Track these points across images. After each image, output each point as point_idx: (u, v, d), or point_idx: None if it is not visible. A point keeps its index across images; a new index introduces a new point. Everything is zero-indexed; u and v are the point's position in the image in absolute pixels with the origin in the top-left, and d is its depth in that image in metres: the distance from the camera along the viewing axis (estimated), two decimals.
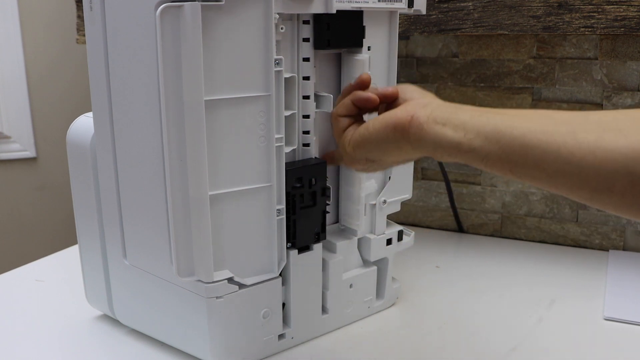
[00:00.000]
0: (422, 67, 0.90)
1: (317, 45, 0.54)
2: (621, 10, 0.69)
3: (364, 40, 0.56)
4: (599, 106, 0.82)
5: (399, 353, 0.59)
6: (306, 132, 0.56)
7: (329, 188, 0.58)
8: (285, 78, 0.52)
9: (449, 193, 0.91)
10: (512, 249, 0.86)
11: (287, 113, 0.53)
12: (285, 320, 0.58)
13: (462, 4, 0.76)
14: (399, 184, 0.63)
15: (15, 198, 1.30)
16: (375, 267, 0.64)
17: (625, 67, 0.79)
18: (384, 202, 0.62)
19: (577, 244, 0.87)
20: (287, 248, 0.55)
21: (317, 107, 0.57)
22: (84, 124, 0.59)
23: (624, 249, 0.85)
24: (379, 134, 0.46)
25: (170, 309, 0.55)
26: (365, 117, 0.52)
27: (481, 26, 0.75)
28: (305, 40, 0.54)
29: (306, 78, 0.55)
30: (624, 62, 0.79)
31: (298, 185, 0.55)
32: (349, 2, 0.53)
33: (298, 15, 0.53)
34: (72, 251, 0.83)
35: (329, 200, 0.58)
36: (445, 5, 0.77)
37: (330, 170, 0.60)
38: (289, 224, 0.55)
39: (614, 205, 0.37)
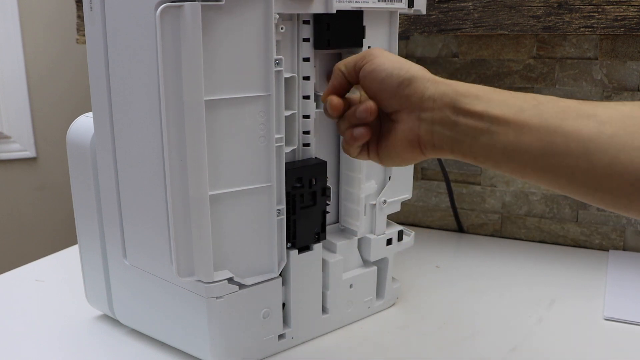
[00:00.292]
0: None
1: (317, 45, 0.54)
2: (621, 10, 0.69)
3: (364, 40, 0.56)
4: None
5: (399, 353, 0.59)
6: (306, 132, 0.56)
7: (329, 188, 0.58)
8: (285, 78, 0.52)
9: (449, 193, 0.91)
10: (512, 249, 0.86)
11: (287, 113, 0.53)
12: (285, 320, 0.58)
13: (462, 4, 0.76)
14: (399, 184, 0.63)
15: (15, 198, 1.30)
16: (375, 267, 0.64)
17: (625, 67, 0.79)
18: (384, 202, 0.62)
19: (577, 244, 0.87)
20: (287, 248, 0.55)
21: (317, 107, 0.57)
22: (84, 124, 0.59)
23: (624, 249, 0.85)
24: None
25: (170, 309, 0.55)
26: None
27: (481, 26, 0.75)
28: (305, 40, 0.54)
29: (306, 78, 0.55)
30: (624, 62, 0.79)
31: (298, 185, 0.55)
32: (349, 2, 0.53)
33: (298, 15, 0.53)
34: (72, 251, 0.83)
35: (329, 200, 0.58)
36: (445, 5, 0.77)
37: (330, 170, 0.60)
38: (289, 224, 0.55)
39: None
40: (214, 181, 0.49)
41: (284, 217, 0.53)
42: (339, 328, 0.63)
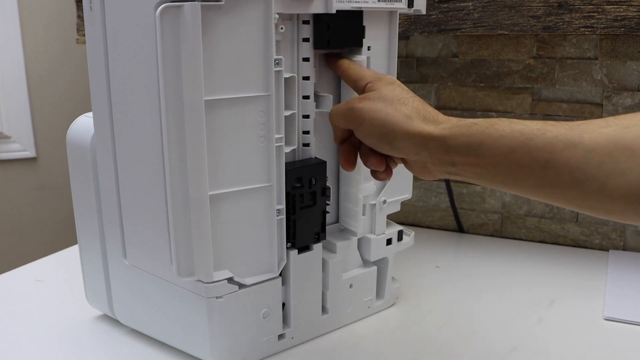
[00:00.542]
0: (422, 67, 0.90)
1: (317, 45, 0.54)
2: (621, 10, 0.69)
3: (363, 40, 0.56)
4: (599, 106, 0.82)
5: (399, 353, 0.59)
6: (306, 132, 0.56)
7: (329, 188, 0.58)
8: (285, 78, 0.52)
9: (449, 193, 0.91)
10: (512, 249, 0.86)
11: (287, 113, 0.53)
12: (285, 320, 0.58)
13: (462, 4, 0.76)
14: (398, 184, 0.63)
15: (15, 198, 1.30)
16: (375, 267, 0.64)
17: (625, 67, 0.79)
18: (384, 202, 0.62)
19: (577, 244, 0.87)
20: (287, 248, 0.55)
21: (317, 107, 0.57)
22: (84, 124, 0.59)
23: (624, 249, 0.85)
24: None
25: (170, 309, 0.55)
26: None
27: (481, 26, 0.75)
28: (305, 40, 0.54)
29: (306, 78, 0.55)
30: (624, 62, 0.79)
31: (298, 185, 0.55)
32: (349, 2, 0.53)
33: (298, 15, 0.53)
34: (72, 251, 0.83)
35: (329, 200, 0.58)
36: (445, 5, 0.77)
37: (330, 170, 0.60)
38: (289, 224, 0.55)
39: None
40: (214, 181, 0.49)
41: (284, 217, 0.53)
42: (339, 328, 0.63)
